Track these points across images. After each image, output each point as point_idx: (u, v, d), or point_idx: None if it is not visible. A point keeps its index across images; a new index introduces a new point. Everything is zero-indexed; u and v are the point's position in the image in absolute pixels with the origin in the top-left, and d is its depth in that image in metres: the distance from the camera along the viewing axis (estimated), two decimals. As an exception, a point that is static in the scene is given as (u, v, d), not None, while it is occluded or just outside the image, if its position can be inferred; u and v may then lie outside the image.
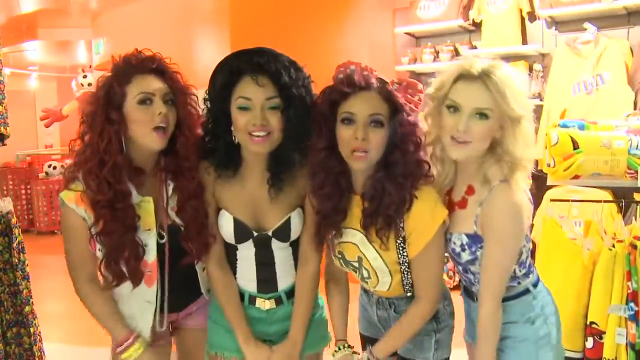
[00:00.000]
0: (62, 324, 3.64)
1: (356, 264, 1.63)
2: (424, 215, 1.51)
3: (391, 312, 1.68)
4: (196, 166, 1.65)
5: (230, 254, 1.70)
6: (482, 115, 1.43)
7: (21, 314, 2.17)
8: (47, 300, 4.15)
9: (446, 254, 1.62)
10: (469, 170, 1.54)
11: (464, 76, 1.45)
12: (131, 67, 1.59)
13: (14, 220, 2.16)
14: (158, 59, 1.61)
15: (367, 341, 1.78)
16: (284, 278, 1.70)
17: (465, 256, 1.53)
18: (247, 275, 1.70)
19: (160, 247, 1.66)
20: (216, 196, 1.68)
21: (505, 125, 1.44)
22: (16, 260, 2.14)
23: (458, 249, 1.54)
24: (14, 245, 2.14)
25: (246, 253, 1.68)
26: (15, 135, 2.17)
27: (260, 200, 1.65)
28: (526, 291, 1.57)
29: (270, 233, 1.64)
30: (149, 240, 1.64)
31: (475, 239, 1.50)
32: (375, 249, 1.57)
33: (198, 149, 1.64)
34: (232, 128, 1.58)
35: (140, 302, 1.68)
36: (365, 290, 1.76)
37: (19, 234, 2.16)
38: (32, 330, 2.18)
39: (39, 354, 2.22)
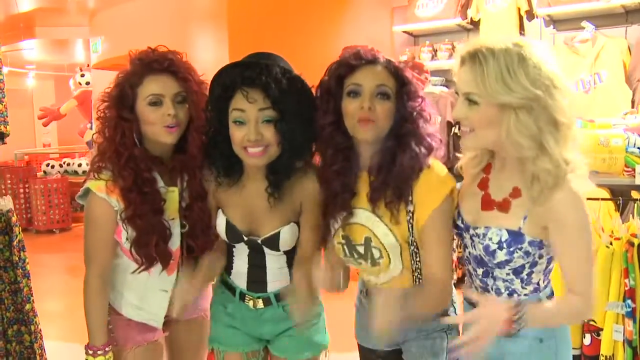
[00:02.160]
0: (62, 321, 3.65)
1: (362, 248, 1.57)
2: (431, 183, 1.47)
3: None
4: (203, 166, 1.67)
5: (228, 250, 1.73)
6: (470, 101, 1.31)
7: (22, 312, 2.18)
8: (46, 299, 4.16)
9: (466, 254, 1.50)
10: (510, 168, 1.39)
11: (461, 58, 1.35)
12: (142, 67, 1.60)
13: (14, 218, 2.17)
14: (170, 58, 1.61)
15: (369, 353, 1.70)
16: (274, 282, 1.70)
17: (501, 256, 1.38)
18: (239, 272, 1.71)
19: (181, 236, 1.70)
20: (216, 197, 1.70)
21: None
22: (16, 259, 2.16)
23: (494, 247, 1.38)
24: (15, 243, 2.15)
25: (241, 253, 1.70)
26: (13, 134, 2.17)
27: (257, 208, 1.65)
28: None
29: (259, 241, 1.65)
30: (174, 229, 1.67)
31: (517, 238, 1.36)
32: (385, 224, 1.52)
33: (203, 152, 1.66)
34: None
35: (155, 291, 1.72)
36: (367, 293, 1.67)
37: (19, 232, 2.17)
38: (32, 328, 2.20)
39: (40, 351, 2.23)
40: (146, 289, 1.72)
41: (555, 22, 4.31)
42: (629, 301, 2.27)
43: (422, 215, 1.48)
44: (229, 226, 1.65)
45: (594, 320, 2.38)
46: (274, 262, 1.68)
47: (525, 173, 1.34)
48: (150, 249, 1.62)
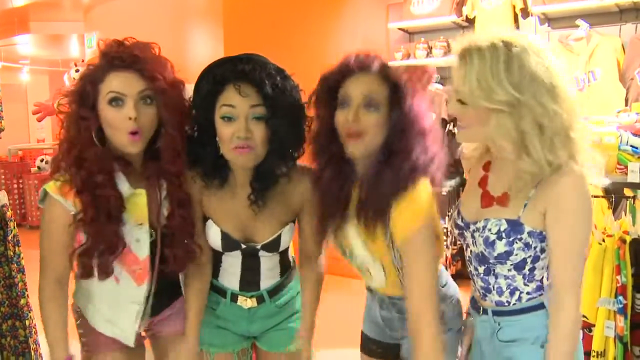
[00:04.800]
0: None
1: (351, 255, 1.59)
2: (406, 210, 1.39)
3: (394, 312, 1.61)
4: (183, 172, 1.57)
5: (215, 258, 1.68)
6: (458, 100, 1.31)
7: (16, 307, 2.19)
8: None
9: (468, 255, 1.50)
10: (507, 165, 1.38)
11: (456, 56, 1.33)
12: (106, 62, 1.48)
13: (9, 213, 2.17)
14: (135, 55, 1.48)
15: (370, 342, 1.72)
16: (267, 280, 1.70)
17: (500, 247, 1.35)
18: (231, 275, 1.69)
19: (151, 245, 1.57)
20: (203, 205, 1.63)
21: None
22: (11, 253, 2.16)
23: (493, 237, 1.36)
24: (9, 238, 2.15)
25: (232, 259, 1.66)
26: (7, 130, 2.17)
27: (249, 213, 1.61)
28: (541, 305, 1.40)
29: (259, 247, 1.62)
30: (142, 235, 1.55)
31: (516, 227, 1.34)
32: (362, 241, 1.50)
33: (185, 154, 1.57)
34: (217, 139, 1.53)
35: (124, 303, 1.60)
36: (369, 288, 1.70)
37: (14, 227, 2.18)
38: (27, 322, 2.20)
39: (34, 346, 2.24)
40: (116, 299, 1.60)
41: (550, 20, 4.32)
42: (620, 298, 2.29)
43: (397, 238, 1.43)
44: (225, 236, 1.60)
45: (585, 317, 2.40)
46: (268, 263, 1.68)
47: (519, 176, 1.34)
48: (90, 259, 1.50)
